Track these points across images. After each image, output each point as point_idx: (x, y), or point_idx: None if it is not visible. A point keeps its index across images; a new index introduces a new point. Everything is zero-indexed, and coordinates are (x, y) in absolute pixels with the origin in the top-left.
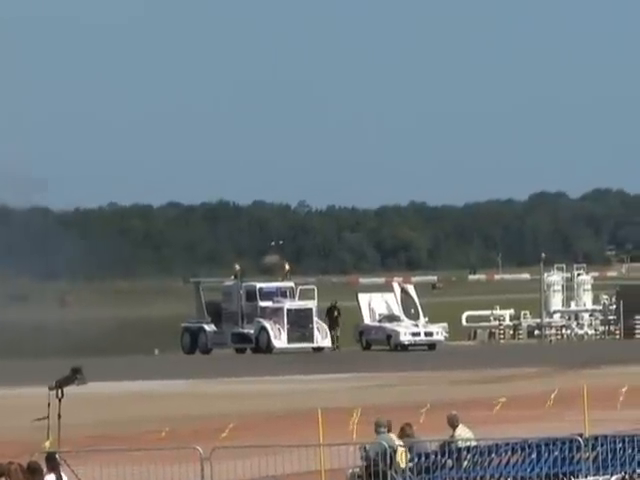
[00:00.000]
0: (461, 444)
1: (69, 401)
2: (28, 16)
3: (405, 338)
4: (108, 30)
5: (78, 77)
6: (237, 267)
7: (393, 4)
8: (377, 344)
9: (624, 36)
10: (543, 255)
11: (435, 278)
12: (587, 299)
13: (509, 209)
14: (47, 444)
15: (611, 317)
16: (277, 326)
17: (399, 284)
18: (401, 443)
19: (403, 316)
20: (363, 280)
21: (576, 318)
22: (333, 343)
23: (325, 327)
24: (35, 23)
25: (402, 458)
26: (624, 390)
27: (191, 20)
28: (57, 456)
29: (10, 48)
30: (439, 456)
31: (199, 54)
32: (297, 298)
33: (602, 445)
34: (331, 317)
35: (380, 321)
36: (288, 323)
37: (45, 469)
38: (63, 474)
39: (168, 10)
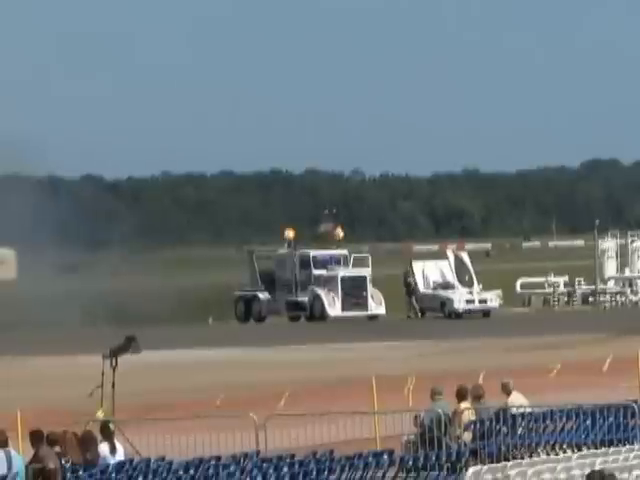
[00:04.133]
0: (515, 411)
1: (123, 370)
2: None
3: (459, 305)
4: None
5: (133, 46)
6: (290, 234)
7: None
8: (431, 311)
9: None
10: (597, 222)
11: (489, 245)
12: None
13: (561, 176)
14: (100, 413)
15: None
16: (331, 294)
17: (453, 251)
18: (467, 405)
19: (457, 283)
20: (417, 247)
21: (630, 284)
22: (410, 311)
23: (379, 295)
24: None
25: (468, 416)
26: None
27: None
28: (111, 425)
29: None
30: (494, 423)
31: (261, 22)
32: (351, 266)
33: None
34: (407, 284)
35: (434, 289)
36: (342, 291)
37: (99, 438)
38: (117, 443)
39: None
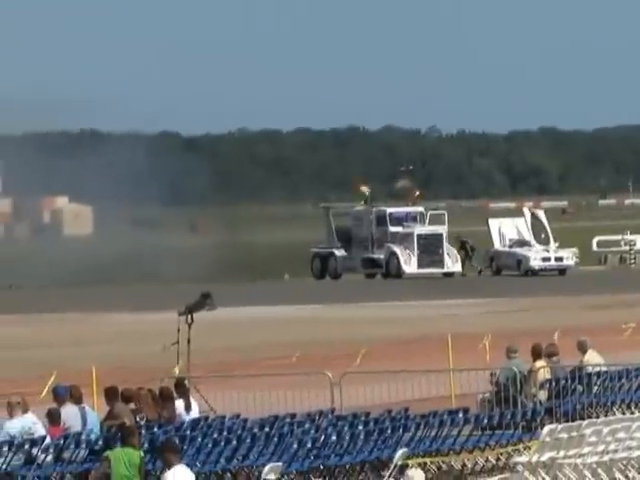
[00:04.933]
0: (591, 369)
1: (199, 326)
2: None
3: (535, 263)
4: None
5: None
6: (366, 190)
7: None
8: (507, 269)
9: None
10: None
11: (565, 203)
12: None
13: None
14: (176, 370)
15: None
16: (407, 251)
17: (529, 209)
18: (543, 363)
19: (533, 241)
20: (493, 205)
21: None
22: (463, 268)
23: (455, 252)
24: None
25: (543, 374)
26: None
27: None
28: (186, 382)
29: None
30: (569, 381)
31: None
32: (427, 223)
33: None
34: (465, 251)
35: (511, 246)
36: (418, 248)
37: (175, 395)
38: (192, 400)
39: None
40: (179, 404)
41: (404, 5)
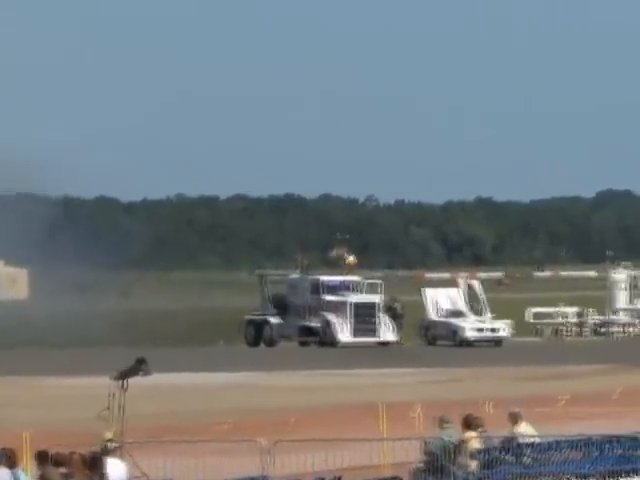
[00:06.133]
0: (523, 440)
1: (134, 392)
2: None
3: (470, 334)
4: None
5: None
6: (301, 259)
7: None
8: (442, 339)
9: None
10: (609, 253)
11: (501, 274)
12: None
13: (575, 206)
14: (109, 434)
15: None
16: (342, 320)
17: (465, 280)
18: (474, 434)
19: (468, 312)
20: (429, 275)
21: None
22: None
23: (390, 321)
24: None
25: (475, 444)
26: None
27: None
28: (109, 444)
29: None
30: (500, 452)
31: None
32: (363, 292)
33: None
34: (391, 309)
35: (445, 316)
36: (353, 317)
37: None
38: (122, 464)
39: None
40: (113, 470)
41: (340, 75)
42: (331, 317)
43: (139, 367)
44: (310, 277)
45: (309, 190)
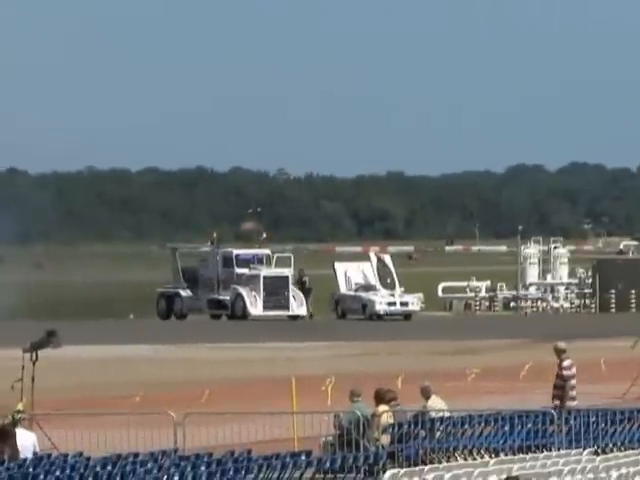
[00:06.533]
0: (434, 415)
1: (43, 364)
2: None
3: (381, 307)
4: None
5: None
6: (214, 234)
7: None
8: (352, 313)
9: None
10: (520, 228)
11: (412, 248)
12: (563, 272)
13: (486, 180)
14: (20, 406)
15: (587, 291)
16: (253, 293)
17: (376, 254)
18: (386, 408)
19: (379, 286)
20: (340, 249)
21: (552, 291)
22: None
23: (301, 295)
24: None
25: (386, 419)
26: (602, 363)
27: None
28: (18, 424)
29: None
30: (412, 426)
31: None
32: (274, 266)
33: (575, 418)
34: (301, 283)
35: (356, 290)
36: (264, 290)
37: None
38: (33, 435)
39: None
40: (23, 441)
41: (262, 51)
42: (242, 290)
43: (49, 339)
44: (222, 250)
45: (220, 163)
